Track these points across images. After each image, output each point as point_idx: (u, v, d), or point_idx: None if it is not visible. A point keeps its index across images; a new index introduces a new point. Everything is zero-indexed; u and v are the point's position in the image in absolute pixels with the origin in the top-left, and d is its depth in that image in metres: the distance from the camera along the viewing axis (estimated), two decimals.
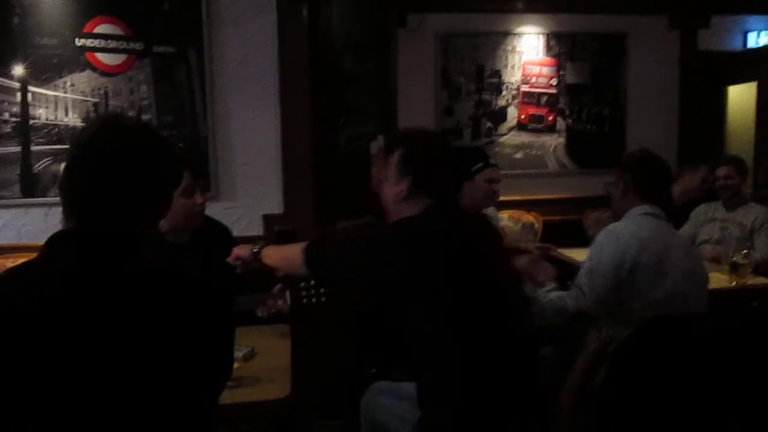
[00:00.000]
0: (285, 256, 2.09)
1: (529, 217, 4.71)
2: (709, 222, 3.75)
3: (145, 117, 3.12)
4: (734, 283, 3.02)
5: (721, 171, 3.70)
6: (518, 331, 1.75)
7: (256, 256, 2.16)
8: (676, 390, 1.95)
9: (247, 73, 3.22)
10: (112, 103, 3.08)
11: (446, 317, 1.65)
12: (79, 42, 3.02)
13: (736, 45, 5.27)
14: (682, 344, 2.00)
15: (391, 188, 1.84)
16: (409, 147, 1.84)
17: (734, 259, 3.07)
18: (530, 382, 1.71)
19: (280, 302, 2.37)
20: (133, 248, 1.13)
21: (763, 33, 5.25)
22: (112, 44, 3.07)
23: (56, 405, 1.01)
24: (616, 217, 2.45)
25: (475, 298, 1.67)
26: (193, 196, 2.46)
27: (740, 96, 5.23)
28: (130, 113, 3.11)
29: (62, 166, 1.16)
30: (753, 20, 5.27)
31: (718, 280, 3.01)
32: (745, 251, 3.12)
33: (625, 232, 2.30)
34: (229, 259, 2.25)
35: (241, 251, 2.23)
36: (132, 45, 3.09)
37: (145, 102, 3.13)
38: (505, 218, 4.41)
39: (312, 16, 3.23)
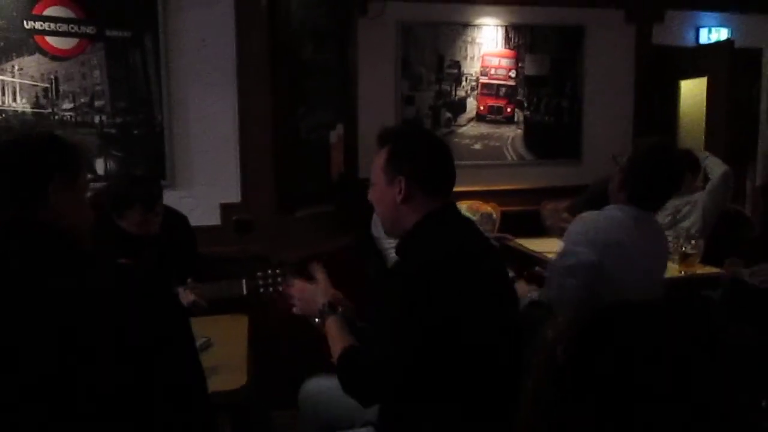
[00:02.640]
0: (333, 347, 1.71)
1: (487, 208, 4.76)
2: (661, 211, 3.84)
3: (98, 103, 3.05)
4: (683, 273, 3.11)
5: None
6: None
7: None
8: (634, 377, 2.00)
9: (205, 58, 3.16)
10: (63, 87, 2.99)
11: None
12: (28, 24, 2.92)
13: (689, 40, 5.40)
14: (636, 331, 2.05)
15: (385, 192, 1.67)
16: (397, 142, 1.68)
17: (684, 248, 3.16)
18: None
19: (191, 296, 2.33)
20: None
21: (713, 29, 5.39)
22: (63, 27, 2.97)
23: None
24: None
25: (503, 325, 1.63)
26: (148, 224, 2.45)
27: (692, 90, 5.37)
28: (83, 99, 3.03)
29: None
30: (705, 17, 5.40)
31: (669, 269, 3.10)
32: (693, 241, 3.21)
33: (589, 225, 2.22)
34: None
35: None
36: (84, 28, 3.00)
37: (98, 87, 3.05)
38: (463, 209, 4.45)
39: (271, 2, 3.19)
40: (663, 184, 2.26)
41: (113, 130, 3.07)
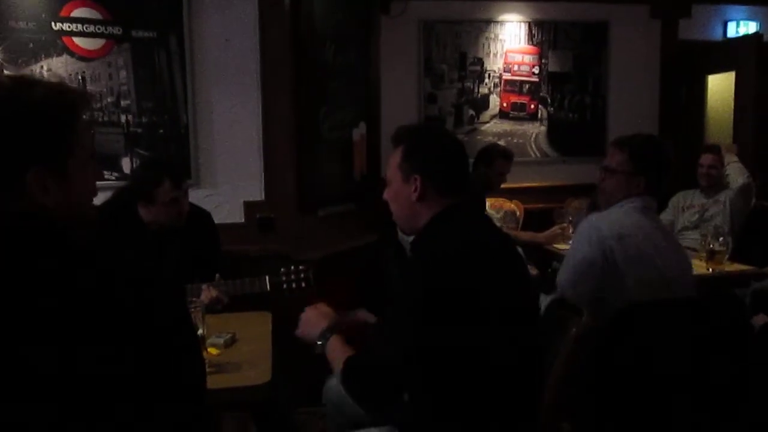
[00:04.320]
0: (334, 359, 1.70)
1: (510, 205, 4.73)
2: (688, 209, 3.80)
3: (124, 103, 3.09)
4: (711, 270, 3.07)
5: (706, 159, 3.74)
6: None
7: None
8: (657, 374, 1.98)
9: (229, 59, 3.18)
10: (90, 87, 3.04)
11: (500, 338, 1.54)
12: (56, 26, 2.97)
13: (716, 35, 5.31)
14: (661, 329, 2.02)
15: (400, 191, 1.67)
16: (412, 140, 1.69)
17: (711, 246, 3.12)
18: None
19: (214, 292, 2.34)
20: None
21: (741, 23, 5.29)
22: (90, 28, 3.02)
23: None
24: (607, 202, 2.34)
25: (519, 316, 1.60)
26: (179, 204, 2.46)
27: (719, 85, 5.29)
28: (109, 99, 3.07)
29: None
30: (732, 10, 5.32)
31: (696, 267, 3.05)
32: (721, 238, 3.17)
33: (605, 225, 2.22)
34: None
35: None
36: (110, 29, 3.04)
37: (124, 88, 3.09)
38: (487, 206, 4.42)
39: (294, 2, 3.21)
40: (667, 168, 2.32)
41: (139, 130, 3.11)
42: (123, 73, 3.08)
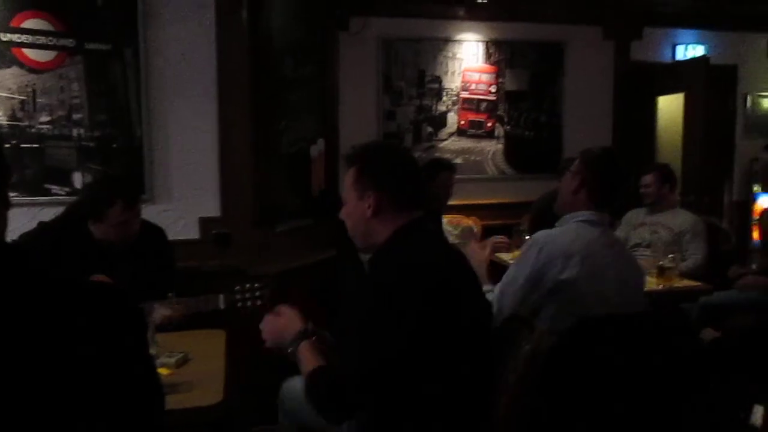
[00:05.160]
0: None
1: (468, 221, 4.77)
2: (639, 226, 3.89)
3: (76, 116, 3.02)
4: (661, 286, 3.14)
5: (645, 179, 3.85)
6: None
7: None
8: (608, 388, 2.01)
9: (185, 73, 3.15)
10: (41, 100, 2.97)
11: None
12: (6, 37, 2.90)
13: (666, 57, 5.50)
14: (611, 344, 2.06)
15: (355, 208, 1.68)
16: (365, 158, 1.70)
17: (661, 263, 3.19)
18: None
19: (167, 311, 2.30)
20: None
21: (690, 46, 5.49)
22: (42, 40, 2.95)
23: None
24: (559, 210, 2.34)
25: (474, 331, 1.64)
26: (129, 225, 2.42)
27: (670, 105, 5.45)
28: (60, 112, 3.00)
29: None
30: (682, 34, 5.51)
31: (647, 282, 3.12)
32: (671, 255, 3.24)
33: (551, 242, 2.18)
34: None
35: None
36: (63, 41, 2.98)
37: (77, 100, 3.02)
38: (445, 222, 4.45)
39: (252, 17, 3.20)
40: (619, 181, 2.30)
41: (91, 144, 3.04)
42: (75, 86, 3.02)
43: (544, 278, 2.14)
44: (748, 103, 5.77)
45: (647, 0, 5.17)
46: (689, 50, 5.48)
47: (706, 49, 5.46)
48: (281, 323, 1.80)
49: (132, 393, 1.03)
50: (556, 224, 2.34)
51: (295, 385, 2.03)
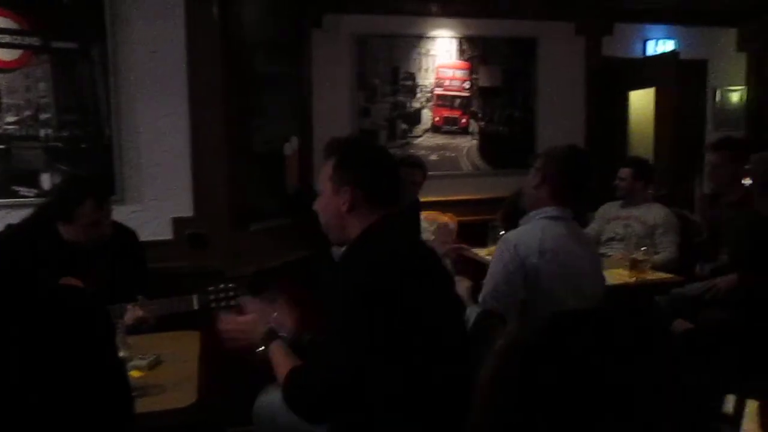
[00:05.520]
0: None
1: (444, 218, 4.78)
2: (613, 220, 3.93)
3: (43, 116, 2.96)
4: (634, 279, 3.17)
5: (622, 172, 3.89)
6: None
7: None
8: (584, 383, 2.02)
9: (155, 71, 3.10)
10: (6, 100, 2.91)
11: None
12: None
13: (637, 52, 5.56)
14: (586, 338, 2.07)
15: (331, 201, 1.69)
16: (344, 152, 1.71)
17: (634, 255, 3.23)
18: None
19: (139, 312, 2.28)
20: None
21: (660, 41, 5.55)
22: (6, 38, 2.89)
23: None
24: (528, 206, 2.36)
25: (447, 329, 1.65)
26: (100, 226, 2.38)
27: (641, 100, 5.52)
28: (27, 112, 2.94)
29: None
30: (652, 29, 5.58)
31: (620, 275, 3.16)
32: (644, 248, 3.28)
33: (522, 241, 2.22)
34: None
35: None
36: (28, 40, 2.92)
37: (44, 100, 2.97)
38: (421, 219, 4.46)
39: (223, 14, 3.16)
40: (582, 178, 2.31)
41: (59, 144, 2.99)
42: (42, 85, 2.96)
43: (523, 272, 2.17)
44: (718, 97, 5.86)
45: None
46: (659, 45, 5.55)
47: (676, 44, 5.53)
48: (245, 323, 1.79)
49: (98, 397, 1.02)
50: (521, 222, 2.37)
51: (272, 400, 2.00)
